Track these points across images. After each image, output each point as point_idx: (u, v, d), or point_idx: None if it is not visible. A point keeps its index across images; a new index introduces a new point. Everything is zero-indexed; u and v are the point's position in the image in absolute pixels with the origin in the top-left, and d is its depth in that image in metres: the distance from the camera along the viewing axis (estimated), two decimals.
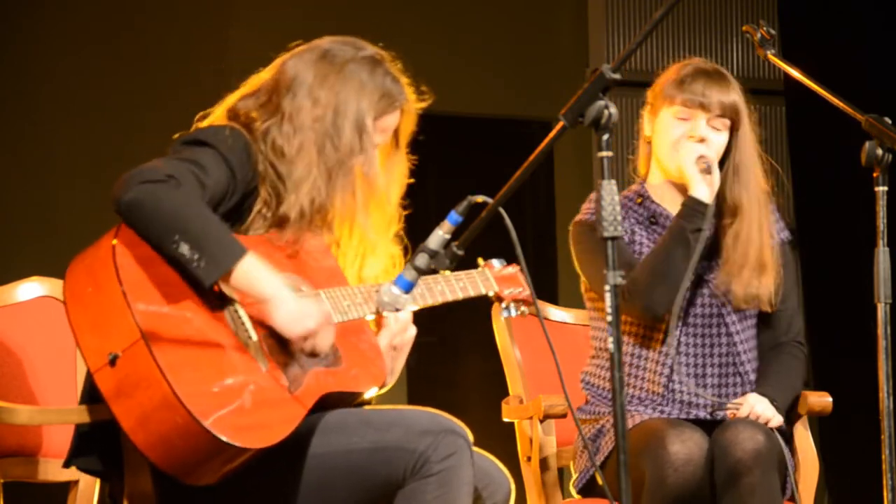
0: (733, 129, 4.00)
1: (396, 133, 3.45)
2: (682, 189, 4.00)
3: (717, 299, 3.98)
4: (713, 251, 4.01)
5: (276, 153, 3.31)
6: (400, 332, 3.42)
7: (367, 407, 3.38)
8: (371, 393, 3.36)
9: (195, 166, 3.17)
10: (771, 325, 4.08)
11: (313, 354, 3.22)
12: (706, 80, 3.97)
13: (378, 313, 3.37)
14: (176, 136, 3.31)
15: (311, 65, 3.36)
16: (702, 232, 3.90)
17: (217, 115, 3.39)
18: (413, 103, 3.44)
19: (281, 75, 3.37)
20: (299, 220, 3.30)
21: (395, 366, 3.44)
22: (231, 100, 3.40)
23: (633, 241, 4.02)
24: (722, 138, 3.98)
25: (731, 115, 3.97)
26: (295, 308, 3.16)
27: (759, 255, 3.98)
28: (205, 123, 3.38)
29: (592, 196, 4.11)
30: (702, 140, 3.95)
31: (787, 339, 4.08)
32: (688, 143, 3.95)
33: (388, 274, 3.45)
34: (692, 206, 3.92)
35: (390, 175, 3.45)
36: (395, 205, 3.46)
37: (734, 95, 3.99)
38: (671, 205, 4.04)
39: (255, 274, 3.12)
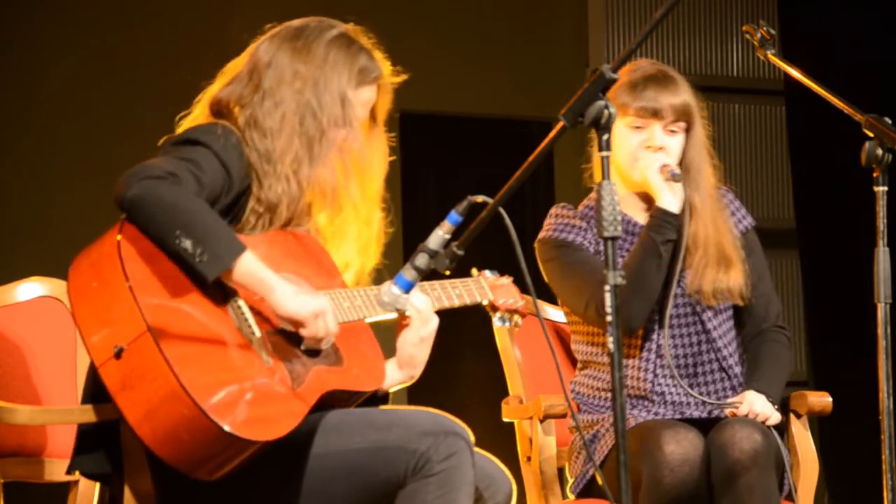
0: (687, 129, 3.99)
1: (373, 109, 3.46)
2: (645, 197, 4.01)
3: (689, 298, 3.98)
4: (677, 254, 4.00)
5: (259, 132, 3.32)
6: (423, 325, 3.43)
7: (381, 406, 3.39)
8: (368, 389, 3.37)
9: (192, 164, 3.17)
10: (749, 313, 4.07)
11: (316, 352, 3.23)
12: (656, 86, 3.94)
13: (401, 314, 3.37)
14: (163, 139, 3.31)
15: (288, 42, 3.38)
16: (672, 242, 3.90)
17: (199, 111, 3.40)
18: (388, 78, 3.45)
19: (257, 57, 3.39)
20: (286, 197, 3.30)
21: (423, 356, 3.45)
22: (211, 91, 3.41)
23: (598, 251, 4.02)
24: (678, 141, 3.97)
25: (685, 117, 3.97)
26: (297, 293, 3.17)
27: (719, 251, 3.98)
28: (188, 119, 3.39)
29: (553, 212, 4.11)
30: (660, 149, 3.94)
31: (768, 325, 4.07)
32: (647, 152, 3.95)
33: (366, 256, 3.44)
34: (661, 218, 3.91)
35: (373, 151, 3.45)
36: (378, 183, 3.46)
37: (684, 95, 3.97)
38: (635, 213, 4.04)
39: (255, 270, 3.13)
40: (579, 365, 4.12)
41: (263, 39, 3.42)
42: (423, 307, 3.40)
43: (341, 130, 3.36)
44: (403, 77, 3.47)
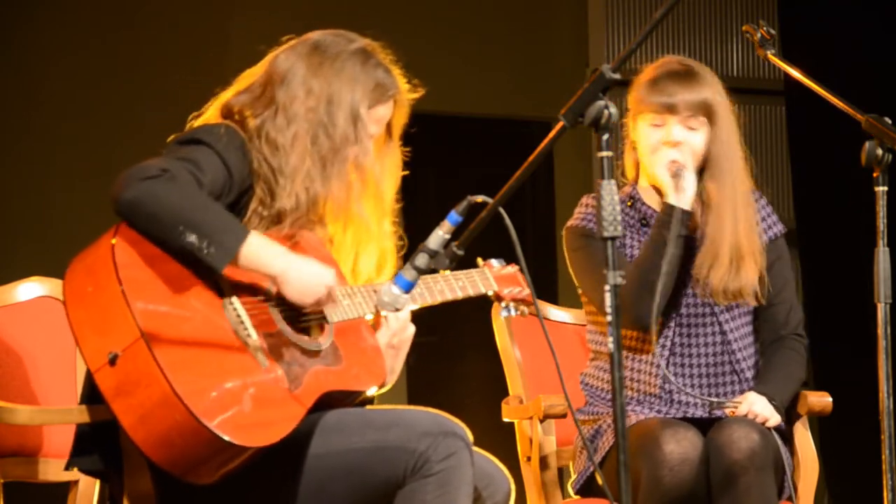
0: (712, 125, 3.97)
1: (389, 124, 3.47)
2: None
3: (705, 299, 3.97)
4: (694, 249, 4.00)
5: (270, 146, 3.32)
6: (399, 332, 3.43)
7: (367, 407, 3.38)
8: (372, 391, 3.37)
9: (191, 164, 3.18)
10: (769, 319, 4.06)
11: (315, 352, 3.23)
12: (673, 82, 3.93)
13: (377, 312, 3.37)
14: (171, 137, 3.31)
15: (304, 57, 3.38)
16: (683, 237, 3.89)
17: (211, 113, 3.40)
18: (405, 94, 3.45)
19: (273, 69, 3.39)
20: (295, 211, 3.31)
21: (395, 365, 3.45)
22: (224, 97, 3.41)
23: (623, 244, 4.02)
24: (698, 137, 3.95)
25: (703, 112, 3.95)
26: (307, 272, 3.20)
27: (734, 249, 3.94)
28: (199, 122, 3.39)
29: (584, 200, 4.11)
30: (676, 144, 3.93)
31: (787, 332, 4.06)
32: (662, 148, 3.94)
33: (381, 269, 3.46)
34: (668, 213, 3.90)
35: (384, 167, 3.46)
36: (389, 197, 3.47)
37: (705, 92, 3.95)
38: (658, 205, 4.03)
39: (262, 250, 3.15)
40: (591, 356, 4.12)
41: (281, 51, 3.41)
42: (400, 314, 3.40)
43: (353, 147, 3.36)
44: (421, 92, 3.47)
